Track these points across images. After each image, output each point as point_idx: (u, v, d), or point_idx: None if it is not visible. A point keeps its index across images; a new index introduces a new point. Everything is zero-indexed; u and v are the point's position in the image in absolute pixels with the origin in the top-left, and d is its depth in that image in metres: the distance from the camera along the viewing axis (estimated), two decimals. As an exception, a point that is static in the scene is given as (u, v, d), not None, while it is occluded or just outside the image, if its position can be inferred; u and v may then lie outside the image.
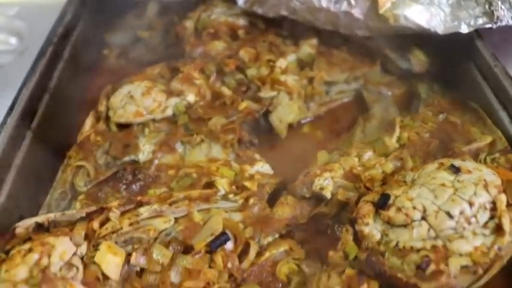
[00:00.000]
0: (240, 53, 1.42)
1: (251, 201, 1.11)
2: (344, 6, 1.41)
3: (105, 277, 0.94)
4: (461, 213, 0.93)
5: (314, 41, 1.51)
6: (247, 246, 1.04)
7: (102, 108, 1.30)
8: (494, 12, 1.37)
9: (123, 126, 1.27)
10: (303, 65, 1.46)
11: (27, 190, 1.17)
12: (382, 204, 0.99)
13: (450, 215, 0.93)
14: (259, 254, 1.04)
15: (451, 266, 0.89)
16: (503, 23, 1.37)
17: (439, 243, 0.92)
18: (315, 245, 1.09)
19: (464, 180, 0.99)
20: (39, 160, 1.23)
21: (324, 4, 1.41)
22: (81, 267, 0.93)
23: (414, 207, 0.96)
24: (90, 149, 1.22)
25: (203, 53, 1.44)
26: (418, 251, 0.92)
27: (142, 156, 1.21)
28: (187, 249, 1.00)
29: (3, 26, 2.14)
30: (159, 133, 1.24)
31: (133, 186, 1.18)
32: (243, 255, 1.03)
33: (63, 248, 0.93)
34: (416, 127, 1.27)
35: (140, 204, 1.05)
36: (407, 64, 1.51)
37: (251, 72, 1.38)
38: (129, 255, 0.97)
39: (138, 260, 0.97)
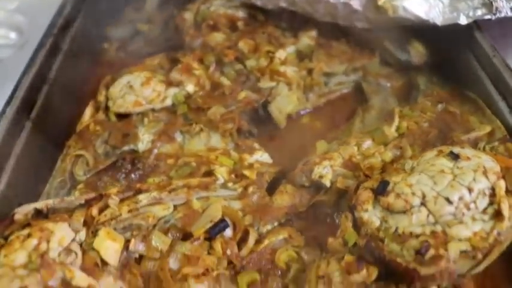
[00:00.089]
0: (239, 44, 1.42)
1: (250, 189, 1.11)
2: (343, -2, 1.41)
3: (104, 263, 0.94)
4: (461, 199, 0.93)
5: (313, 33, 1.51)
6: (246, 233, 1.04)
7: (101, 98, 1.31)
8: (493, 3, 1.37)
9: (122, 116, 1.28)
10: (302, 56, 1.46)
11: (27, 179, 1.17)
12: (381, 190, 0.99)
13: (449, 201, 0.93)
14: (258, 241, 1.04)
15: (450, 250, 0.88)
16: (502, 15, 1.37)
17: (438, 228, 0.92)
18: (314, 233, 1.09)
19: (463, 167, 0.99)
20: (38, 150, 1.23)
21: (323, -5, 1.42)
22: (79, 253, 0.93)
23: (413, 193, 0.96)
24: (90, 139, 1.22)
25: (202, 44, 1.44)
26: (417, 236, 0.92)
27: (142, 146, 1.21)
28: (186, 236, 1.00)
29: (3, 21, 2.15)
30: (158, 123, 1.24)
31: (133, 176, 1.18)
32: (242, 242, 1.03)
33: (62, 234, 0.93)
34: (415, 117, 1.27)
35: (139, 191, 1.05)
36: (407, 56, 1.51)
37: (250, 63, 1.39)
38: (127, 241, 0.97)
39: (137, 246, 0.97)
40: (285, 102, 1.33)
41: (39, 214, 0.98)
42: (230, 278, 0.98)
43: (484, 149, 1.13)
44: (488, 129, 1.20)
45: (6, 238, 0.92)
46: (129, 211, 1.00)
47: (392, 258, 0.90)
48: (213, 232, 0.99)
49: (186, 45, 1.46)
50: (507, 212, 0.92)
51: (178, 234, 1.00)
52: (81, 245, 0.95)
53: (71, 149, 1.22)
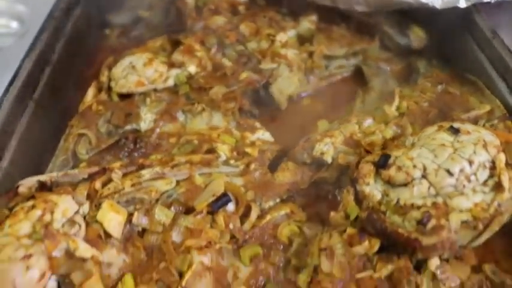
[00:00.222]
0: (240, 27, 1.43)
1: (252, 166, 1.12)
2: (343, -19, 1.42)
3: (107, 235, 0.94)
4: (461, 171, 0.94)
5: (313, 17, 1.52)
6: (248, 209, 1.04)
7: (104, 79, 1.31)
8: (492, -14, 1.38)
9: (125, 97, 1.28)
10: (302, 40, 1.48)
11: (30, 157, 1.18)
12: (382, 163, 0.99)
13: (450, 173, 0.94)
14: (260, 217, 1.04)
15: (451, 221, 0.89)
16: (501, -3, 1.39)
17: (440, 200, 0.93)
18: (315, 210, 1.10)
19: (463, 141, 1.00)
20: (41, 129, 1.24)
21: (323, -22, 1.43)
22: (83, 224, 0.93)
23: (414, 166, 0.97)
24: (92, 118, 1.23)
25: (204, 27, 1.45)
26: (418, 208, 0.92)
27: (144, 125, 1.22)
28: (189, 211, 1.01)
29: (4, 10, 2.16)
30: (161, 102, 1.25)
31: (135, 154, 1.19)
32: (244, 217, 1.03)
33: (66, 206, 0.93)
34: (415, 97, 1.28)
35: (142, 166, 1.06)
36: (406, 40, 1.52)
37: (251, 45, 1.40)
38: (130, 215, 0.98)
39: (140, 220, 0.98)
40: (286, 84, 1.34)
41: (43, 187, 0.99)
42: (233, 251, 0.99)
43: (483, 127, 1.14)
44: (487, 108, 1.21)
45: (10, 209, 0.93)
46: (132, 185, 1.01)
47: (394, 229, 0.91)
48: (216, 206, 1.00)
49: (188, 28, 1.47)
50: (507, 183, 0.93)
51: (181, 208, 1.01)
52: (84, 217, 0.96)
53: (73, 129, 1.23)
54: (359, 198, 1.00)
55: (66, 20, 1.55)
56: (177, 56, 1.32)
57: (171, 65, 1.31)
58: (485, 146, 0.98)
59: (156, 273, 0.91)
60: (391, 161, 0.99)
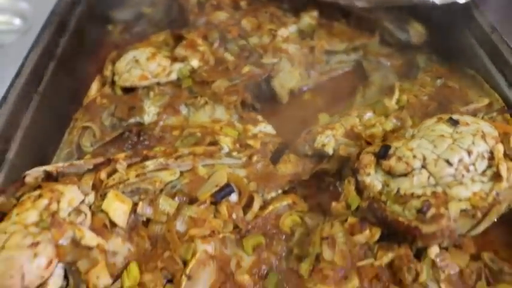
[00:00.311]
0: (242, 22, 1.45)
1: (254, 158, 1.13)
2: (343, -23, 1.44)
3: (113, 225, 0.96)
4: (460, 161, 0.96)
5: (314, 13, 1.54)
6: (251, 199, 1.06)
7: (107, 73, 1.33)
8: (491, -18, 1.40)
9: (128, 90, 1.30)
10: (303, 35, 1.49)
11: (35, 149, 1.20)
12: (383, 154, 1.01)
13: (449, 163, 0.96)
14: (262, 207, 1.06)
15: (450, 209, 0.91)
16: (500, -7, 1.41)
17: (439, 189, 0.94)
18: (317, 201, 1.11)
19: (462, 132, 1.01)
20: (46, 122, 1.25)
21: (324, -26, 1.45)
22: (89, 214, 0.95)
23: (414, 156, 0.98)
24: (96, 111, 1.24)
25: (206, 22, 1.47)
26: (418, 197, 0.94)
27: (147, 118, 1.24)
28: (192, 201, 1.02)
29: (7, 7, 2.18)
30: (164, 96, 1.27)
31: (139, 147, 1.21)
32: (247, 208, 1.05)
33: (72, 195, 0.95)
34: (415, 91, 1.29)
35: (146, 158, 1.07)
36: (406, 35, 1.54)
37: (253, 40, 1.41)
38: (135, 205, 0.99)
39: (145, 210, 0.99)
40: (288, 78, 1.36)
41: (49, 177, 1.00)
42: (236, 241, 1.00)
43: (482, 119, 1.16)
44: (486, 101, 1.23)
45: (18, 199, 0.95)
46: (137, 176, 1.02)
47: (395, 218, 0.93)
48: (219, 196, 1.01)
49: (190, 23, 1.49)
50: (505, 173, 0.95)
51: (184, 199, 1.02)
52: (90, 207, 0.97)
53: (78, 122, 1.25)
54: (360, 189, 1.02)
55: (69, 16, 1.57)
56: (180, 51, 1.33)
57: (174, 59, 1.33)
58: (483, 136, 1.00)
59: (160, 262, 0.93)
60: (391, 151, 1.01)
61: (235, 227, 1.02)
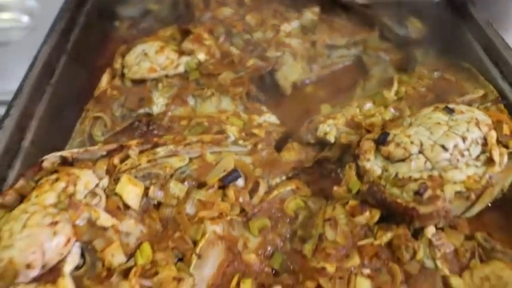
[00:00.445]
0: (246, 17, 1.51)
1: (259, 146, 1.19)
2: (344, -27, 1.50)
3: (126, 207, 1.01)
4: (455, 146, 1.01)
5: (316, 9, 1.60)
6: (256, 185, 1.11)
7: (117, 65, 1.38)
8: (486, -21, 1.46)
9: (138, 82, 1.35)
10: (305, 30, 1.55)
11: (49, 139, 1.24)
12: (382, 140, 1.06)
13: (445, 148, 1.01)
14: (267, 192, 1.11)
15: (446, 191, 0.96)
16: (495, -10, 1.46)
17: (435, 173, 1.00)
18: (319, 187, 1.16)
19: (457, 119, 1.07)
20: (59, 112, 1.30)
21: (325, -29, 1.51)
22: (103, 196, 1.00)
23: (412, 142, 1.04)
24: (107, 102, 1.29)
25: (212, 17, 1.52)
26: (415, 180, 0.99)
27: (156, 109, 1.29)
28: (201, 186, 1.07)
29: (16, 5, 2.23)
30: (172, 88, 1.32)
31: (148, 136, 1.26)
32: (253, 193, 1.10)
33: (87, 179, 1.00)
34: (413, 83, 1.35)
35: (156, 145, 1.12)
36: (405, 31, 1.59)
37: (257, 35, 1.47)
38: (147, 189, 1.04)
39: (156, 193, 1.04)
40: (290, 71, 1.41)
41: (64, 163, 1.05)
42: (242, 224, 1.05)
43: (477, 108, 1.21)
44: (481, 92, 1.29)
45: (36, 182, 1.00)
46: (148, 161, 1.07)
47: (393, 200, 0.98)
48: (227, 180, 1.06)
49: (196, 19, 1.54)
50: (497, 158, 1.00)
51: (193, 183, 1.07)
52: (104, 190, 1.02)
53: (89, 112, 1.29)
54: (360, 173, 1.07)
55: (79, 12, 1.62)
56: (187, 45, 1.39)
57: (182, 52, 1.38)
58: (477, 124, 1.05)
59: (171, 242, 0.97)
60: (390, 138, 1.06)
61: (242, 210, 1.07)
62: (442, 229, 0.98)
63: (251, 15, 1.51)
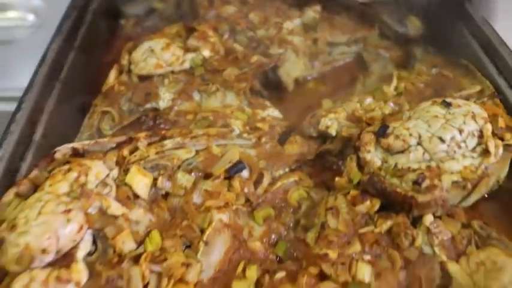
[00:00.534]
0: (249, 15, 1.55)
1: (263, 139, 1.22)
2: (344, -28, 1.55)
3: (135, 197, 1.04)
4: (452, 138, 1.05)
5: (317, 7, 1.64)
6: (261, 176, 1.14)
7: (124, 62, 1.42)
8: (483, -23, 1.50)
9: (144, 78, 1.39)
10: (307, 28, 1.59)
11: (59, 132, 1.28)
12: (382, 133, 1.10)
13: (442, 140, 1.05)
14: (271, 183, 1.15)
15: (443, 181, 1.00)
16: (491, -12, 1.50)
17: (433, 164, 1.03)
18: (321, 179, 1.20)
19: (454, 113, 1.10)
20: (68, 107, 1.34)
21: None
22: (114, 186, 1.03)
23: (411, 135, 1.07)
24: (115, 97, 1.33)
25: (216, 15, 1.57)
26: (414, 170, 1.03)
27: (163, 104, 1.33)
28: (207, 176, 1.11)
29: (21, 4, 2.27)
30: (178, 83, 1.36)
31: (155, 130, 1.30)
32: (257, 184, 1.14)
33: (98, 169, 1.04)
34: (412, 79, 1.39)
35: (164, 137, 1.16)
36: (404, 29, 1.64)
37: (260, 33, 1.51)
38: (155, 180, 1.08)
39: (164, 184, 1.08)
40: (293, 68, 1.45)
41: (76, 154, 1.09)
42: (247, 213, 1.09)
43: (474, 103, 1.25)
44: (478, 88, 1.33)
45: (49, 172, 1.04)
46: (156, 153, 1.11)
47: (393, 189, 1.02)
48: (232, 171, 1.10)
49: (201, 17, 1.58)
50: (493, 149, 1.04)
51: (200, 174, 1.11)
52: (114, 181, 1.06)
53: (97, 107, 1.33)
54: (361, 165, 1.10)
55: (85, 10, 1.66)
56: (192, 42, 1.43)
57: (187, 49, 1.42)
58: (474, 117, 1.09)
59: (179, 230, 1.01)
60: (389, 130, 1.10)
61: (247, 200, 1.10)
62: (440, 217, 1.02)
63: (254, 13, 1.55)
